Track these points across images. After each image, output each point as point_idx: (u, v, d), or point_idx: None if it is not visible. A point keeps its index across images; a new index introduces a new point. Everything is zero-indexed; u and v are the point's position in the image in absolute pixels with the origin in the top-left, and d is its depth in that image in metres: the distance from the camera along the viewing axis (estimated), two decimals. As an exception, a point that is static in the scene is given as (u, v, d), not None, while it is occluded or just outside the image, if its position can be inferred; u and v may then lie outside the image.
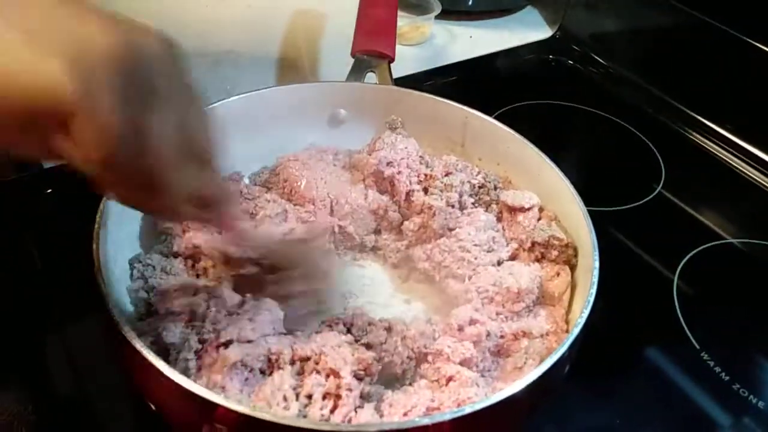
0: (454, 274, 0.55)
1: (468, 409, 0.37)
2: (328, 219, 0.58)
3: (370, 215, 0.60)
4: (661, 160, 0.79)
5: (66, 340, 0.53)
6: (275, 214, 0.57)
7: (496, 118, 0.63)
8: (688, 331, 0.58)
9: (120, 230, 0.51)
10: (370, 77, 0.68)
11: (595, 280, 0.46)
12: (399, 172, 0.60)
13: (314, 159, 0.62)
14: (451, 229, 0.57)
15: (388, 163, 0.61)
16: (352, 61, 0.68)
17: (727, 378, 0.55)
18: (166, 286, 0.48)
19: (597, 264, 0.47)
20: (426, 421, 0.37)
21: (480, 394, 0.43)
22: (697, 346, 0.57)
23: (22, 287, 0.57)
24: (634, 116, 0.86)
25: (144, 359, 0.38)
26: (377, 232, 0.61)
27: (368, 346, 0.46)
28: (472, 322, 0.48)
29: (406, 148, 0.62)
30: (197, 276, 0.52)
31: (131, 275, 0.51)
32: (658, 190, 0.75)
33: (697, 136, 0.85)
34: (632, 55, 0.95)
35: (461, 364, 0.46)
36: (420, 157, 0.63)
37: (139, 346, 0.38)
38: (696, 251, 0.66)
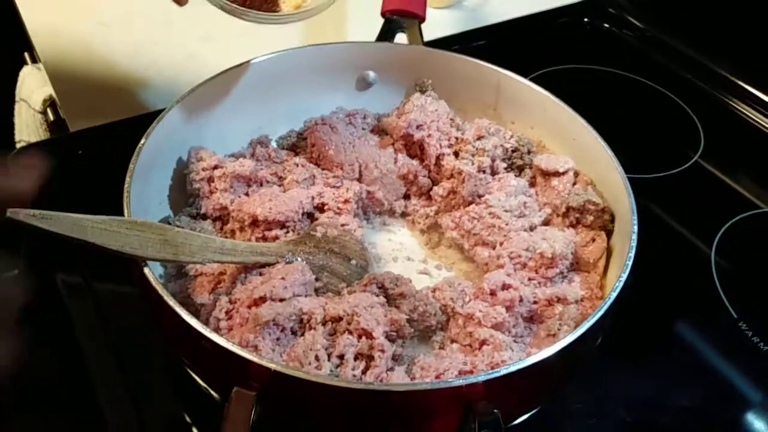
0: (483, 242, 0.54)
1: (503, 371, 0.36)
2: (356, 184, 0.57)
3: (400, 180, 0.59)
4: (700, 128, 0.76)
5: (99, 303, 0.53)
6: (303, 179, 0.57)
7: (528, 82, 0.60)
8: (725, 301, 0.57)
9: (149, 192, 0.51)
10: (400, 38, 0.66)
11: (634, 244, 0.45)
12: (429, 135, 0.59)
13: (342, 122, 0.61)
14: (480, 196, 0.56)
15: (418, 126, 0.59)
16: (381, 21, 0.67)
17: (766, 348, 0.54)
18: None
19: (636, 228, 0.46)
20: (460, 382, 0.36)
21: (514, 358, 0.42)
22: (735, 316, 0.56)
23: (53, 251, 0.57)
24: (672, 82, 0.83)
25: (179, 318, 0.38)
26: (407, 197, 0.60)
27: (402, 296, 0.46)
28: (505, 286, 0.47)
29: (436, 110, 0.61)
30: (226, 237, 0.52)
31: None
32: (695, 159, 0.72)
33: (738, 102, 0.81)
34: (670, 19, 0.91)
35: (493, 328, 0.45)
36: (451, 119, 0.61)
37: (173, 303, 0.38)
38: (733, 220, 0.64)
